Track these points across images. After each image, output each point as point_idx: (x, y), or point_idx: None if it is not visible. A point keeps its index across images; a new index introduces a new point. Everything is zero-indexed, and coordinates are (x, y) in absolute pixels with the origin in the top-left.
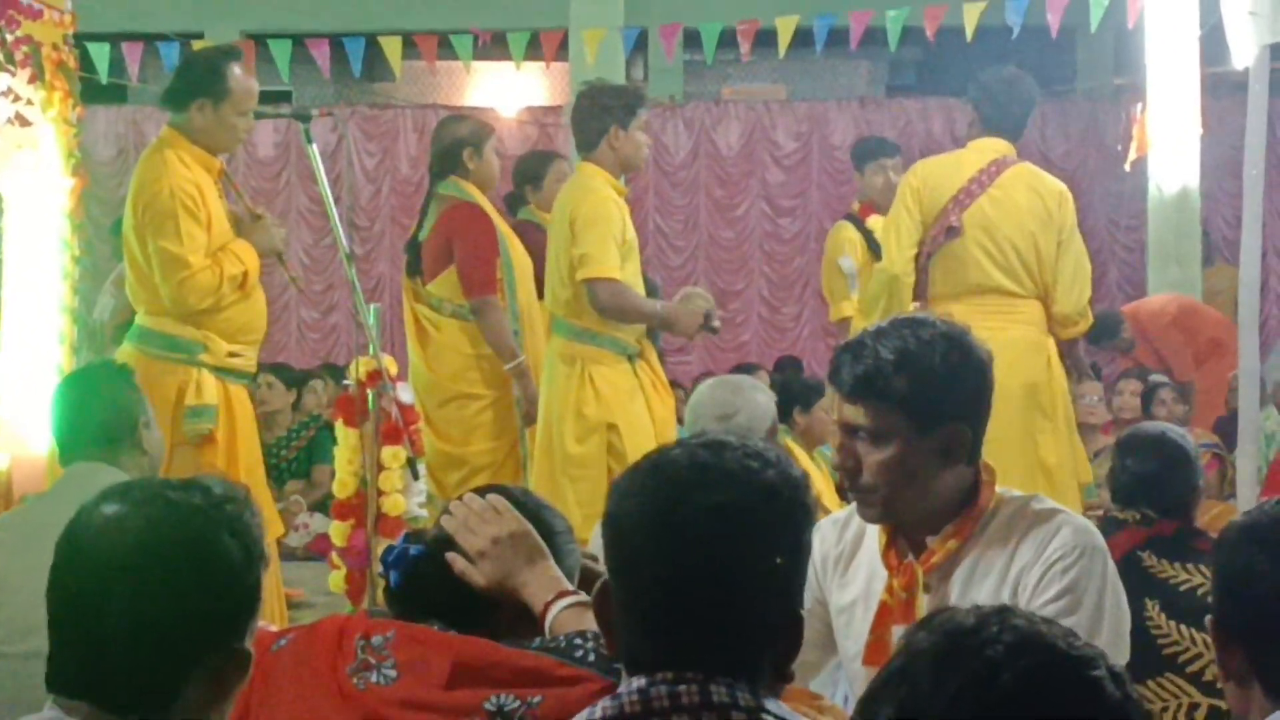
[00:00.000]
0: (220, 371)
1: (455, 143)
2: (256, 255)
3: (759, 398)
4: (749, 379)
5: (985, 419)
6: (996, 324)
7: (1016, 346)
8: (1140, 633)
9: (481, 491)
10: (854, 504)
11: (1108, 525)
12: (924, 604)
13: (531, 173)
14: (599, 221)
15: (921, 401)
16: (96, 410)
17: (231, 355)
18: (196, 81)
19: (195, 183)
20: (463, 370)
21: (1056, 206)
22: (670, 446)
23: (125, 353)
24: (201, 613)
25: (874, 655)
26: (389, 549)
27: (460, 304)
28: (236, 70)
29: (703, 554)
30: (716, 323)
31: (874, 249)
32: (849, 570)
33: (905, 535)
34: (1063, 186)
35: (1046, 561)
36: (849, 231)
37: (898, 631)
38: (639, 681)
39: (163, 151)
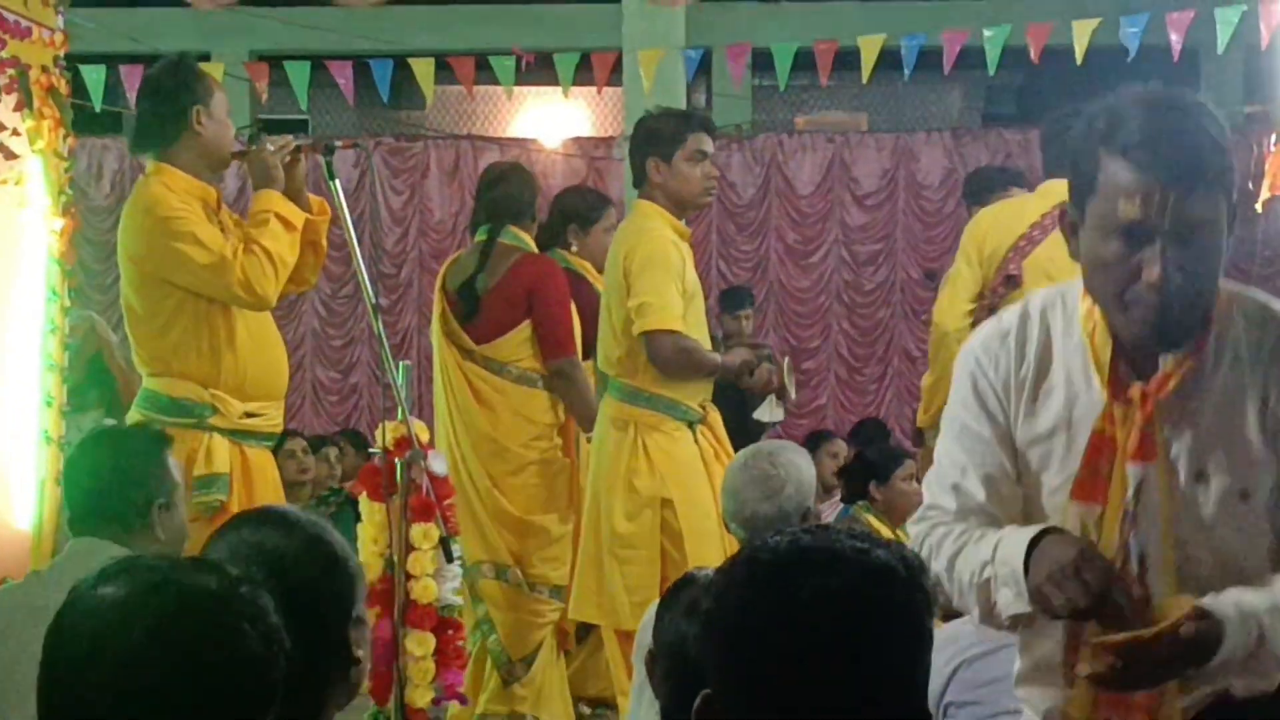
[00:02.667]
0: (236, 435)
1: (528, 191)
2: (274, 196)
3: (799, 461)
4: (780, 443)
5: None
6: None
7: None
8: None
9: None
10: (1019, 319)
11: None
12: (1164, 436)
13: (581, 213)
14: (657, 265)
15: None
16: (105, 481)
17: (248, 415)
18: (180, 94)
19: (187, 205)
20: (534, 439)
21: None
22: (768, 537)
23: (133, 419)
24: (218, 714)
25: (1086, 490)
26: None
27: (528, 369)
28: (199, 66)
29: (814, 644)
30: (792, 391)
31: None
32: (1040, 395)
33: (1127, 355)
34: None
35: None
36: None
37: (1133, 470)
38: None
39: (147, 186)
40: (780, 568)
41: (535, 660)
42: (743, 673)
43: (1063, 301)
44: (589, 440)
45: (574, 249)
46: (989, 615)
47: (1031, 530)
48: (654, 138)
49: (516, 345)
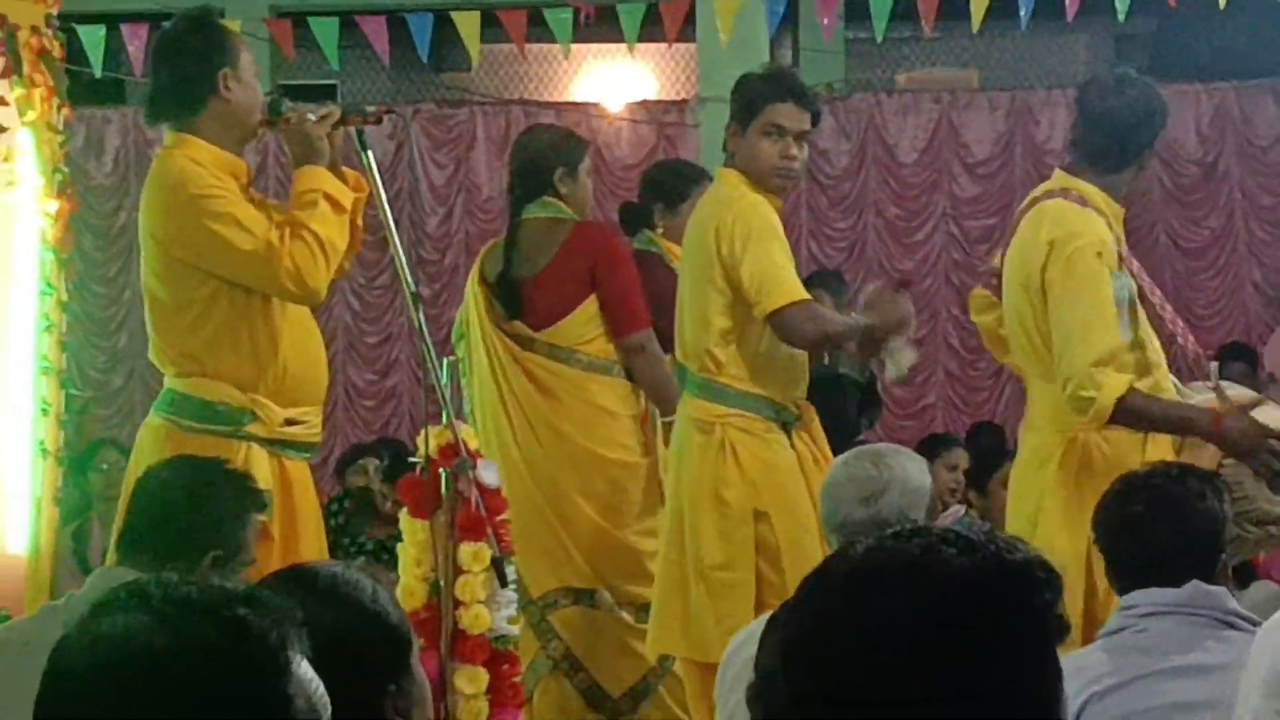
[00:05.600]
0: (275, 445)
1: (542, 159)
2: (320, 173)
3: (909, 466)
4: (891, 445)
5: None
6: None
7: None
8: None
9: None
10: None
11: None
12: None
13: (667, 189)
14: (764, 235)
15: None
16: (175, 511)
17: (288, 423)
18: (205, 55)
19: (221, 181)
20: (618, 436)
21: (1037, 259)
22: (859, 541)
23: (154, 426)
24: None
25: None
26: None
27: (599, 354)
28: (223, 23)
29: (878, 679)
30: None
31: None
32: None
33: None
34: (1058, 233)
35: None
36: None
37: None
38: None
39: (171, 159)
40: (847, 581)
41: (648, 694)
42: (809, 708)
43: None
44: (665, 424)
45: (660, 229)
46: None
47: None
48: (738, 99)
49: (582, 325)
